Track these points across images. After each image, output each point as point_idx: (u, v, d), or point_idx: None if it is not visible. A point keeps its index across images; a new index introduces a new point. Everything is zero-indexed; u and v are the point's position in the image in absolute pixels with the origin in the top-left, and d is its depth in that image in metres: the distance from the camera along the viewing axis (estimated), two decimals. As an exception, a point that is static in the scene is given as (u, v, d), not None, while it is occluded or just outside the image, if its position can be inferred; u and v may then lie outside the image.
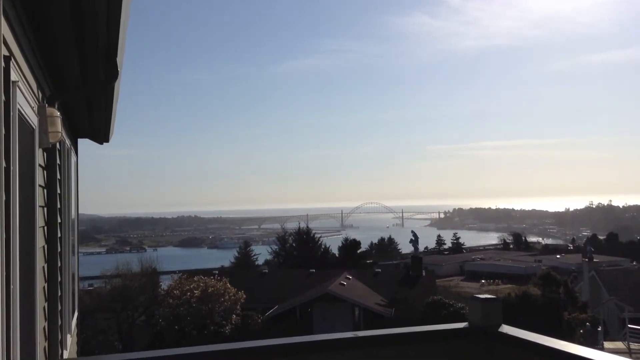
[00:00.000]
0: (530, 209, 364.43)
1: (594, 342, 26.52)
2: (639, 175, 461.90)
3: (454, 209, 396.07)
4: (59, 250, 4.88)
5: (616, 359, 2.37)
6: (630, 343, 24.92)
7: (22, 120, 3.01)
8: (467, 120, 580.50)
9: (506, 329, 3.05)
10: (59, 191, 4.83)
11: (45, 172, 4.32)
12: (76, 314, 6.97)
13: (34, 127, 3.43)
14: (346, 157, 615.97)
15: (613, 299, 31.55)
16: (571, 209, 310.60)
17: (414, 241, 45.42)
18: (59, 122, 3.86)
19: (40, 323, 3.80)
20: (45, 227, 4.39)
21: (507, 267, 73.29)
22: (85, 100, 5.11)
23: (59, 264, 4.88)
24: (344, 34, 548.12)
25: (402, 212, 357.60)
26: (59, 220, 4.89)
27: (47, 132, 3.67)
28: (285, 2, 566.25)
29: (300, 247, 55.45)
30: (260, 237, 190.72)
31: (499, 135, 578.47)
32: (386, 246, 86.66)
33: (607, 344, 26.65)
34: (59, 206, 4.86)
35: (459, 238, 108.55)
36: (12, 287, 2.49)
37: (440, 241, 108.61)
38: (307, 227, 62.57)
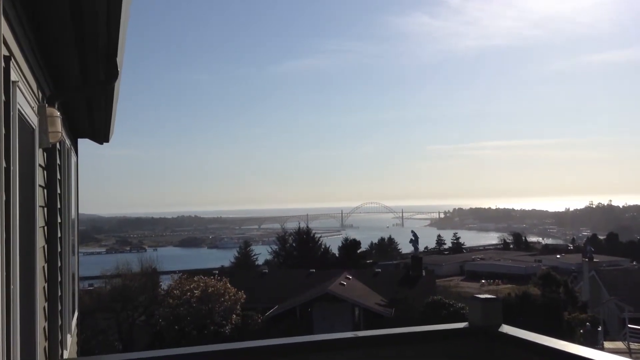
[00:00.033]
0: (530, 209, 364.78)
1: (594, 342, 26.52)
2: (639, 175, 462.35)
3: (454, 209, 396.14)
4: (59, 250, 4.88)
5: (616, 359, 2.38)
6: (630, 343, 24.92)
7: (22, 120, 3.01)
8: (467, 120, 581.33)
9: (506, 329, 3.05)
10: (59, 191, 4.83)
11: (45, 172, 4.32)
12: (76, 314, 6.97)
13: (34, 127, 3.43)
14: (346, 157, 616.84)
15: (613, 299, 31.55)
16: (571, 209, 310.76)
17: (414, 241, 45.43)
18: (59, 122, 3.86)
19: (41, 323, 3.80)
20: (45, 227, 4.39)
21: (507, 267, 73.28)
22: (85, 100, 5.11)
23: (59, 264, 4.88)
24: (344, 34, 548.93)
25: (402, 212, 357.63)
26: (59, 220, 4.89)
27: (47, 132, 3.67)
28: (285, 2, 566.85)
29: (300, 247, 55.45)
30: (260, 237, 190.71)
31: (499, 135, 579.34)
32: (386, 246, 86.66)
33: (607, 344, 26.65)
34: (59, 206, 4.86)
35: (459, 238, 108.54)
36: (12, 287, 2.49)
37: (440, 241, 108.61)
38: (307, 227, 62.56)
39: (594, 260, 42.31)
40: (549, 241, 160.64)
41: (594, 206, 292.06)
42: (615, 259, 63.16)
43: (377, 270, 44.34)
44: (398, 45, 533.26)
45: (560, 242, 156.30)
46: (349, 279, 37.01)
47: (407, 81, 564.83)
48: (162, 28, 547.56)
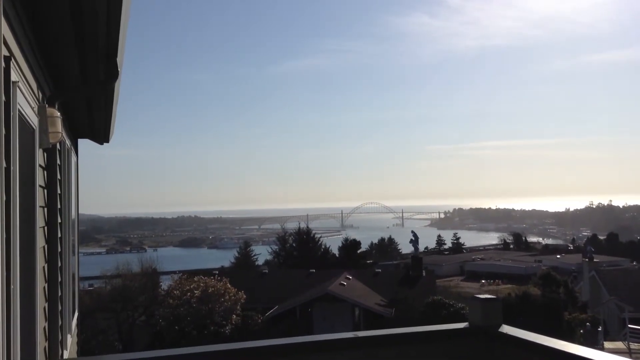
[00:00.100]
0: (530, 209, 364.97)
1: (594, 342, 26.52)
2: (639, 175, 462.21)
3: (454, 209, 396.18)
4: (59, 250, 4.88)
5: (616, 359, 2.37)
6: (630, 343, 24.90)
7: (22, 120, 3.01)
8: (467, 120, 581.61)
9: (506, 329, 3.05)
10: (59, 191, 4.83)
11: (45, 172, 4.32)
12: (76, 314, 6.97)
13: (34, 128, 3.43)
14: (346, 157, 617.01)
15: (613, 299, 31.54)
16: (571, 209, 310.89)
17: (414, 241, 45.39)
18: (59, 122, 3.86)
19: (41, 323, 3.80)
20: (46, 227, 4.39)
21: (507, 267, 73.29)
22: (85, 101, 5.11)
23: (59, 264, 4.88)
24: (344, 34, 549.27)
25: (402, 212, 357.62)
26: (59, 221, 4.89)
27: (47, 133, 3.67)
28: (285, 2, 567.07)
29: (300, 247, 55.43)
30: (260, 237, 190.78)
31: (499, 135, 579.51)
32: (386, 246, 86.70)
33: (607, 344, 26.64)
34: (59, 206, 4.86)
35: (459, 238, 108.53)
36: (12, 287, 2.49)
37: (440, 241, 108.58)
38: (307, 227, 62.52)
39: (594, 260, 42.27)
40: (549, 241, 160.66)
41: (594, 206, 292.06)
42: (615, 259, 63.17)
43: (377, 270, 44.31)
44: (398, 45, 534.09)
45: (560, 242, 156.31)
46: (349, 279, 37.00)
47: (407, 81, 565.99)
48: (162, 28, 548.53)
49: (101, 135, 6.86)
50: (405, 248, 76.80)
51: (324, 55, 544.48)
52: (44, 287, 4.27)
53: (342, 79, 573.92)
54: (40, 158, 3.84)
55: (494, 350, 3.07)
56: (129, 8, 3.29)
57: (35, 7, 3.00)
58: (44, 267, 4.23)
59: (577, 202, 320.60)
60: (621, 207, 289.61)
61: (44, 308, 4.22)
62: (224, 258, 78.00)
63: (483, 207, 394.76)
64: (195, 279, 31.20)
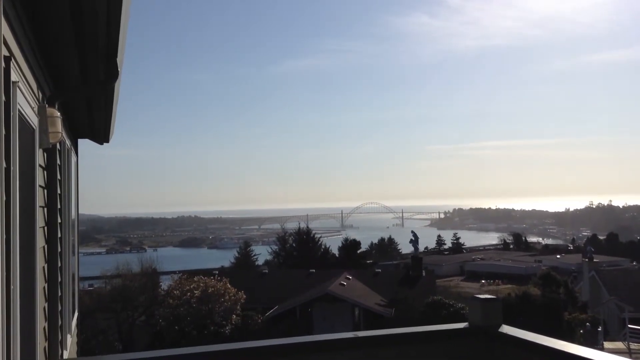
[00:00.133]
0: (530, 209, 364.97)
1: (594, 342, 26.52)
2: (639, 175, 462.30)
3: (454, 209, 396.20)
4: (59, 250, 4.88)
5: (616, 359, 2.38)
6: (630, 343, 24.90)
7: (23, 120, 3.01)
8: (467, 120, 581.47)
9: (506, 329, 3.05)
10: (59, 191, 4.83)
11: (45, 172, 4.32)
12: (76, 314, 6.97)
13: (34, 128, 3.43)
14: (346, 157, 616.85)
15: (613, 299, 31.54)
16: (571, 209, 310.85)
17: (414, 241, 45.39)
18: (59, 122, 3.86)
19: (41, 323, 3.80)
20: (46, 228, 4.39)
21: (507, 267, 73.30)
22: (85, 101, 5.11)
23: (59, 264, 4.88)
24: (344, 34, 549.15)
25: (402, 212, 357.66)
26: (59, 221, 4.89)
27: (47, 133, 3.67)
28: (285, 2, 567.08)
29: (300, 247, 55.43)
30: (260, 237, 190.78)
31: (499, 135, 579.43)
32: (386, 246, 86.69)
33: (607, 344, 26.64)
34: (59, 206, 4.86)
35: (459, 238, 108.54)
36: (12, 287, 2.49)
37: (440, 241, 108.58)
38: (307, 227, 62.52)
39: (594, 260, 42.28)
40: (549, 241, 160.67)
41: (594, 206, 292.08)
42: (615, 259, 63.19)
43: (377, 270, 44.34)
44: (398, 45, 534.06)
45: (560, 242, 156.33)
46: (349, 279, 37.00)
47: (407, 81, 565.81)
48: (162, 28, 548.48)
49: (101, 135, 6.86)
50: (405, 248, 76.81)
51: (324, 55, 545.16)
52: (44, 287, 4.27)
53: (342, 79, 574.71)
54: (40, 158, 3.84)
55: (494, 350, 3.07)
56: (129, 8, 3.29)
57: (35, 7, 3.00)
58: (44, 267, 4.23)
59: (577, 202, 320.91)
60: (621, 207, 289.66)
61: (44, 308, 4.22)
62: (224, 258, 78.00)
63: (483, 207, 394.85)
64: (195, 279, 31.20)
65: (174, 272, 46.56)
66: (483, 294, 4.68)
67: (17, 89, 2.70)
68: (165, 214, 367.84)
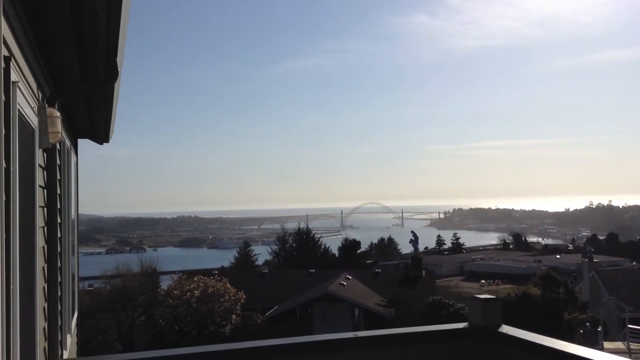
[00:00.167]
0: (530, 209, 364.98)
1: (594, 342, 26.51)
2: (639, 175, 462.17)
3: (454, 209, 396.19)
4: (59, 250, 4.88)
5: (616, 359, 2.38)
6: (630, 343, 24.91)
7: (22, 120, 3.01)
8: (467, 120, 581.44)
9: (506, 329, 3.05)
10: (59, 191, 4.83)
11: (45, 172, 4.32)
12: (76, 314, 6.97)
13: (34, 128, 3.43)
14: (346, 157, 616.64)
15: (613, 299, 31.53)
16: (571, 209, 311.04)
17: (414, 241, 45.39)
18: (59, 122, 3.85)
19: (40, 323, 3.80)
20: (45, 228, 4.39)
21: (507, 267, 73.29)
22: (85, 100, 5.11)
23: (59, 264, 4.88)
24: (344, 34, 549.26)
25: (402, 212, 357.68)
26: (59, 221, 4.88)
27: (47, 133, 3.67)
28: (285, 2, 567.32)
29: (300, 247, 55.43)
30: (260, 237, 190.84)
31: (499, 135, 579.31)
32: (386, 246, 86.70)
33: (607, 344, 26.64)
34: (59, 206, 4.86)
35: (459, 238, 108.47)
36: (12, 287, 2.49)
37: (440, 241, 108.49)
38: (307, 227, 62.51)
39: (594, 260, 42.25)
40: (549, 241, 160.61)
41: (594, 206, 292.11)
42: (615, 259, 63.19)
43: (377, 270, 44.33)
44: (398, 45, 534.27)
45: (560, 242, 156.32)
46: (349, 279, 37.00)
47: (407, 81, 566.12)
48: (162, 28, 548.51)
49: (101, 135, 6.86)
50: (405, 248, 76.81)
51: (324, 55, 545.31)
52: (44, 287, 4.26)
53: (342, 79, 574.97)
54: (40, 158, 3.83)
55: (494, 350, 3.07)
56: (129, 8, 3.29)
57: (35, 7, 3.00)
58: (43, 267, 4.23)
59: (577, 202, 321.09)
60: (621, 207, 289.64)
61: (44, 308, 4.22)
62: (224, 258, 77.99)
63: (483, 207, 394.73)
64: (195, 279, 31.20)
65: (174, 272, 46.61)
66: (483, 294, 4.68)
67: (17, 89, 2.70)
68: (165, 214, 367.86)
